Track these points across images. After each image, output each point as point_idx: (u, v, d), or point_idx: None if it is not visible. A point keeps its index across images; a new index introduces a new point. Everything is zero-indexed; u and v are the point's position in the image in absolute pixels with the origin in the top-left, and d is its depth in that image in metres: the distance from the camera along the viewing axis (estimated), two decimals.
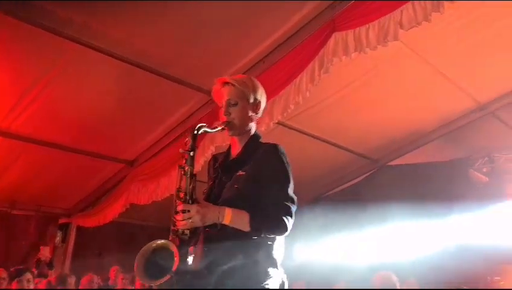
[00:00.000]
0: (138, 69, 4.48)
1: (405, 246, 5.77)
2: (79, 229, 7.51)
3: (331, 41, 3.84)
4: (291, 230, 1.81)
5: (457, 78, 5.24)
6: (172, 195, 5.46)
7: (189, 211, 1.74)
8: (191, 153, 1.85)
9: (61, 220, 7.55)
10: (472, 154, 6.67)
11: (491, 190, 6.44)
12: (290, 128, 5.59)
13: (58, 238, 7.47)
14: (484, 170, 6.57)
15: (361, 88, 5.12)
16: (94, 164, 6.21)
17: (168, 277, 1.66)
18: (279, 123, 5.14)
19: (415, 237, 5.96)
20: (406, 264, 5.55)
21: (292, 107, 4.21)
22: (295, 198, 1.87)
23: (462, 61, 4.90)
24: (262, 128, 4.06)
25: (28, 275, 3.93)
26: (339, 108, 5.46)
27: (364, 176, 7.30)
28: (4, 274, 4.17)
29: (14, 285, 3.86)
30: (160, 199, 5.60)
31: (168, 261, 1.67)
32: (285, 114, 4.35)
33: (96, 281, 5.32)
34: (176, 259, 1.67)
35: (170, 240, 1.76)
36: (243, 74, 4.71)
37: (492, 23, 4.29)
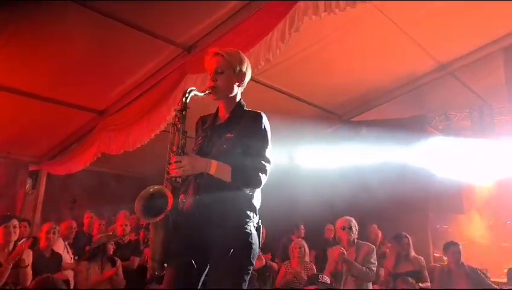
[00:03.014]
0: (110, 19, 4.47)
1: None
2: (49, 176, 7.58)
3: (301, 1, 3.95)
4: None
5: (420, 38, 5.48)
6: (143, 146, 5.61)
7: (181, 161, 2.03)
8: (183, 112, 2.13)
9: (31, 167, 7.58)
10: (430, 112, 7.07)
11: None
12: (259, 82, 5.74)
13: (28, 185, 7.53)
14: (440, 127, 6.99)
15: (329, 46, 5.28)
16: (64, 113, 6.20)
17: (164, 214, 1.99)
18: None
19: None
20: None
21: (262, 64, 4.33)
22: (271, 159, 2.17)
23: (425, 21, 5.11)
24: None
25: (14, 221, 4.00)
26: (306, 65, 5.62)
27: (329, 130, 7.61)
28: None
29: (0, 231, 3.92)
30: (131, 149, 5.70)
31: (164, 203, 1.99)
32: (255, 70, 4.50)
33: (74, 226, 5.49)
34: (170, 200, 1.98)
35: (164, 186, 2.07)
36: (213, 29, 4.84)
37: None
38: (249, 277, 2.11)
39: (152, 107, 5.41)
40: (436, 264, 6.23)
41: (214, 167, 2.06)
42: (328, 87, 6.44)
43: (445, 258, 5.33)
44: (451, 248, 4.96)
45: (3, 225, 3.94)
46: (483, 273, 4.94)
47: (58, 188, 7.84)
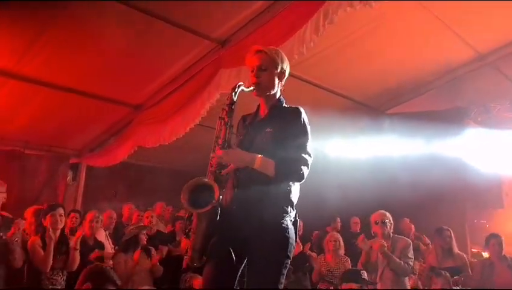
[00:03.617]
0: (146, 15, 4.57)
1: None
2: (89, 169, 7.86)
3: None
4: None
5: (459, 28, 5.32)
6: (178, 140, 5.72)
7: (227, 154, 2.10)
8: (232, 107, 2.19)
9: (72, 160, 7.87)
10: (469, 104, 6.86)
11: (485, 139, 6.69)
12: (292, 76, 5.72)
13: (69, 177, 7.83)
14: (479, 119, 6.79)
15: (363, 37, 5.21)
16: (102, 107, 6.40)
17: (210, 205, 2.03)
18: None
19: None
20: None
21: (296, 57, 4.33)
22: (312, 153, 2.19)
23: (464, 11, 4.95)
24: None
25: (61, 210, 4.20)
26: (340, 57, 5.57)
27: (363, 123, 7.51)
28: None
29: (47, 219, 4.10)
30: (167, 143, 5.83)
31: (210, 195, 2.04)
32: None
33: (114, 217, 5.68)
34: (216, 193, 2.04)
35: (208, 179, 2.12)
36: (247, 23, 4.87)
37: None
38: (286, 271, 2.14)
39: (187, 101, 5.50)
40: (473, 259, 6.09)
41: (259, 162, 2.09)
42: (362, 80, 6.35)
43: (484, 253, 5.20)
44: (491, 240, 4.83)
45: (50, 213, 4.13)
46: None
47: (97, 180, 8.12)
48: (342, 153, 7.48)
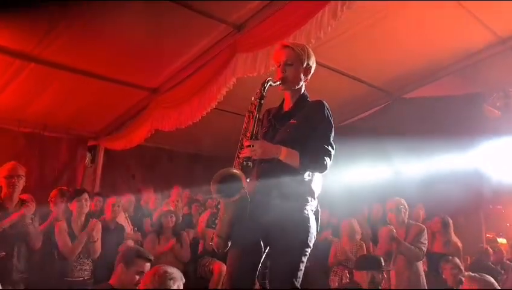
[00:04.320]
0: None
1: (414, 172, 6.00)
2: (107, 151, 7.99)
3: None
4: None
5: (479, 11, 5.21)
6: (194, 123, 5.78)
7: (253, 145, 2.14)
8: (261, 101, 2.23)
9: (90, 143, 8.00)
10: (488, 88, 6.75)
11: (504, 124, 6.60)
12: None
13: (87, 159, 7.98)
14: (498, 104, 6.67)
15: (381, 21, 5.14)
16: (120, 91, 6.47)
17: (238, 195, 2.10)
18: None
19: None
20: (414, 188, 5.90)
21: (313, 42, 4.31)
22: (334, 145, 2.26)
23: None
24: None
25: (86, 195, 4.30)
26: (358, 41, 5.52)
27: (379, 108, 7.47)
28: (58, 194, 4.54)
29: (74, 204, 4.20)
30: (183, 126, 5.89)
31: (238, 185, 2.10)
32: None
33: (133, 200, 5.80)
34: (244, 182, 2.10)
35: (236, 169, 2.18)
36: (263, 7, 4.85)
37: None
38: (306, 258, 2.21)
39: (203, 86, 5.54)
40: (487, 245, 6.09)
41: (284, 153, 2.16)
42: (378, 64, 6.29)
43: (499, 239, 5.18)
44: None
45: (76, 199, 4.23)
46: None
47: (115, 163, 8.26)
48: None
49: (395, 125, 6.98)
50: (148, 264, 3.08)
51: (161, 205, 5.99)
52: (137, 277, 2.96)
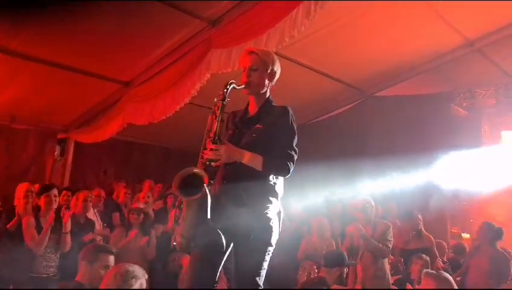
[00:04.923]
0: None
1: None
2: (77, 144, 7.83)
3: None
4: None
5: (447, 14, 5.38)
6: (167, 118, 5.74)
7: (218, 149, 2.21)
8: (224, 102, 2.28)
9: (60, 135, 7.82)
10: (455, 89, 6.98)
11: (469, 124, 6.84)
12: (283, 57, 5.74)
13: (57, 152, 7.81)
14: (464, 104, 6.92)
15: (354, 21, 5.25)
16: (92, 83, 6.35)
17: (200, 194, 2.15)
18: None
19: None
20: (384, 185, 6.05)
21: (287, 40, 4.35)
22: (297, 149, 2.33)
23: None
24: None
25: (55, 191, 4.23)
26: (331, 39, 5.61)
27: (351, 105, 7.61)
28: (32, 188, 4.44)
29: (42, 199, 4.13)
30: (156, 121, 5.84)
31: (199, 184, 2.14)
32: (279, 46, 4.53)
33: (103, 195, 5.72)
34: (206, 181, 2.15)
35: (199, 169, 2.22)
36: (238, 3, 4.86)
37: None
38: (269, 257, 2.30)
39: (177, 80, 5.50)
40: (453, 240, 6.30)
41: (248, 157, 2.23)
42: (351, 63, 6.41)
43: (463, 234, 5.36)
44: None
45: (44, 194, 4.17)
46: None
47: (85, 156, 8.11)
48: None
49: (367, 123, 7.13)
50: (111, 257, 3.08)
51: (132, 199, 5.94)
52: (102, 272, 2.95)
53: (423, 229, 5.18)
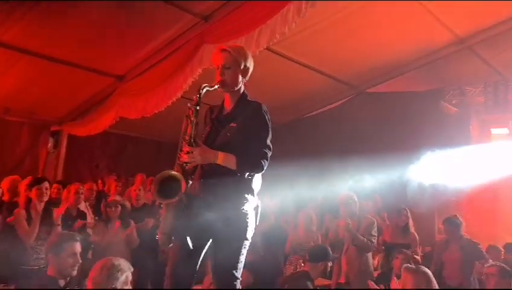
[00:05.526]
0: None
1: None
2: (70, 137, 7.87)
3: None
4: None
5: (439, 11, 5.43)
6: (160, 112, 5.80)
7: (192, 152, 2.27)
8: (197, 107, 2.34)
9: (53, 128, 7.86)
10: (445, 86, 7.05)
11: (458, 121, 6.93)
12: (275, 52, 5.79)
13: (50, 144, 7.84)
14: (454, 101, 6.99)
15: (346, 18, 5.31)
16: (85, 77, 6.38)
17: (177, 197, 2.27)
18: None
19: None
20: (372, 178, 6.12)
21: (278, 37, 4.41)
22: (271, 146, 2.40)
23: None
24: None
25: (46, 184, 4.27)
26: (323, 36, 5.66)
27: (343, 101, 7.68)
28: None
29: (33, 192, 4.17)
30: (149, 115, 5.90)
31: (177, 187, 2.25)
32: (270, 43, 4.59)
33: (95, 188, 5.77)
34: (183, 185, 2.25)
35: (175, 171, 2.32)
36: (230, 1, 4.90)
37: None
38: (246, 251, 2.41)
39: (169, 75, 5.55)
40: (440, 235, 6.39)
41: (222, 158, 2.30)
42: (343, 59, 6.47)
43: None
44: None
45: (36, 187, 4.21)
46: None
47: (78, 149, 8.14)
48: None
49: (357, 118, 7.19)
50: (77, 244, 3.09)
51: (124, 192, 5.98)
52: (70, 260, 3.00)
53: (410, 226, 5.26)
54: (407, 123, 6.77)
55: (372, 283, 3.50)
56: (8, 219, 4.14)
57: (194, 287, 2.99)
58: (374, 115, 7.17)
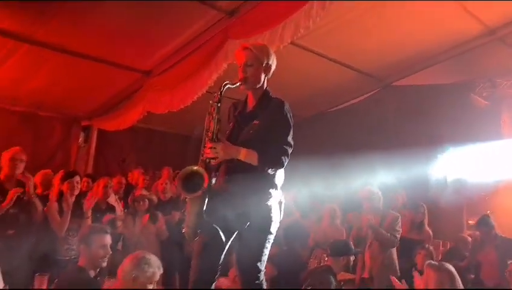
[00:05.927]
0: None
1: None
2: (100, 132, 8.09)
3: None
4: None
5: (468, 2, 5.28)
6: (186, 106, 5.88)
7: (215, 148, 2.35)
8: (218, 104, 2.42)
9: (84, 123, 8.09)
10: (475, 78, 6.86)
11: (488, 114, 6.74)
12: (299, 46, 5.78)
13: (81, 139, 8.08)
14: (484, 94, 6.81)
15: (372, 9, 5.23)
16: (113, 72, 6.53)
17: (200, 191, 2.33)
18: None
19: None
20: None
21: (302, 31, 4.40)
22: (292, 143, 2.45)
23: None
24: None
25: (77, 178, 4.45)
26: (349, 28, 5.60)
27: (368, 95, 7.58)
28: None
29: (65, 185, 4.36)
30: (175, 110, 6.00)
31: (200, 182, 2.33)
32: (294, 37, 4.58)
33: (124, 182, 5.93)
34: (206, 180, 2.32)
35: (199, 166, 2.39)
36: None
37: None
38: (270, 245, 2.48)
39: (195, 70, 5.61)
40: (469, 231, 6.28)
41: (243, 154, 2.36)
42: (369, 51, 6.37)
43: None
44: None
45: (68, 180, 4.38)
46: None
47: (108, 143, 8.37)
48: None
49: (383, 112, 7.11)
50: (107, 236, 3.23)
51: (151, 186, 6.12)
52: (101, 251, 3.12)
53: (425, 223, 5.20)
54: (435, 117, 6.65)
55: (395, 278, 3.47)
56: (45, 209, 4.33)
57: (219, 280, 3.07)
58: (400, 109, 7.07)
